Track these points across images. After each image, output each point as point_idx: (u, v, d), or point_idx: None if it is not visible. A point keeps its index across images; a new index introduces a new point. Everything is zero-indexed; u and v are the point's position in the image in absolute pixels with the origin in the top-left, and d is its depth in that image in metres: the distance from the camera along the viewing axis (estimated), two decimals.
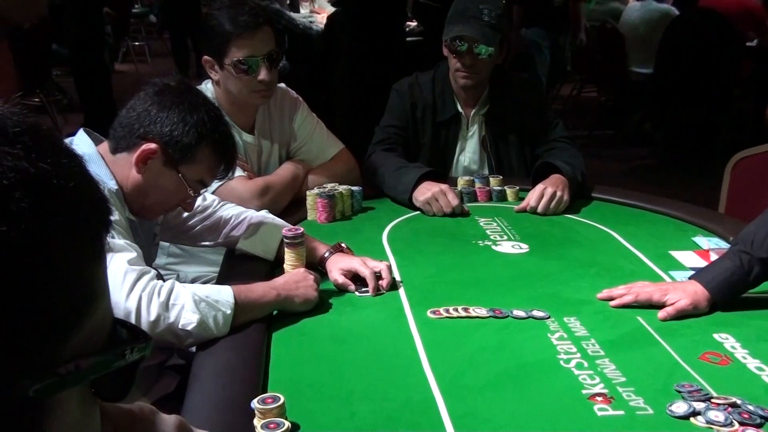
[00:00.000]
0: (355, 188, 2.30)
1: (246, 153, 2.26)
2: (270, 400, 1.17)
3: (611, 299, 1.64)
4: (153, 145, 1.57)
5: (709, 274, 1.63)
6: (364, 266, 1.73)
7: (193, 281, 2.19)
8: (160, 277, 1.51)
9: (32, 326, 0.50)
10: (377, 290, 1.70)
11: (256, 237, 1.84)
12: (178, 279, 2.18)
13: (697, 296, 1.58)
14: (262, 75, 2.13)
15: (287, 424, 1.12)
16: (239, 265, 1.83)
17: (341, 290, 1.72)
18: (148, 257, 1.69)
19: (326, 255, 1.80)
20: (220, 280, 1.77)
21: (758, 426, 1.18)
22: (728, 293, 1.59)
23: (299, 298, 1.58)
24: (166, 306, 1.42)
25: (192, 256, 2.24)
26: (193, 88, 1.71)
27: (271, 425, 1.11)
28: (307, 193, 2.22)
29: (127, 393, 0.59)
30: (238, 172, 2.10)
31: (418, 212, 2.29)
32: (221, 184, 2.07)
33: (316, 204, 2.19)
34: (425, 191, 2.28)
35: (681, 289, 1.61)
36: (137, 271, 1.43)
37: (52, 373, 0.51)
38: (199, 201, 1.86)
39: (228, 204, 1.93)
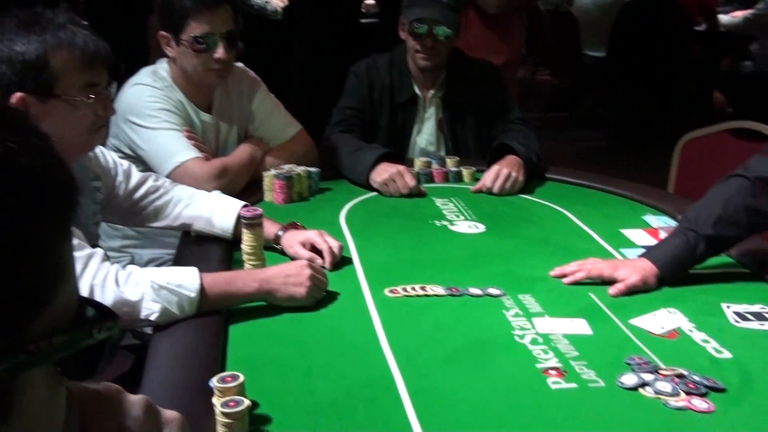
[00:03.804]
0: (312, 169, 2.30)
1: (204, 133, 2.25)
2: (229, 379, 1.17)
3: (564, 276, 1.68)
4: (17, 96, 1.40)
5: (658, 251, 1.67)
6: (321, 239, 1.74)
7: (147, 263, 2.17)
8: (107, 257, 1.45)
9: (1, 304, 0.50)
10: (330, 264, 1.72)
11: (212, 216, 1.83)
12: (132, 262, 2.17)
13: (646, 272, 1.62)
14: (219, 53, 2.11)
15: (247, 402, 1.13)
16: (196, 246, 1.82)
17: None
18: (89, 238, 1.61)
19: (280, 233, 1.80)
20: (177, 262, 1.76)
21: (703, 395, 1.23)
22: (676, 270, 1.64)
23: (282, 294, 1.50)
24: (122, 298, 1.37)
25: (148, 239, 2.22)
26: None
27: (231, 403, 1.12)
28: (264, 174, 2.22)
29: (94, 372, 0.59)
30: (195, 153, 2.09)
31: (375, 193, 2.31)
32: (177, 166, 2.06)
33: (273, 185, 2.19)
34: (382, 172, 2.30)
35: (631, 266, 1.65)
36: (83, 258, 1.37)
37: (22, 351, 0.51)
38: (150, 182, 1.84)
39: (181, 185, 1.92)
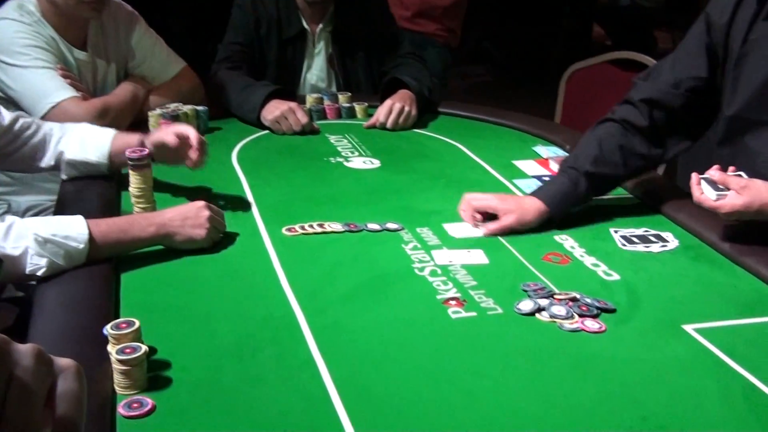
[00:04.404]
0: (200, 108, 2.22)
1: (79, 72, 2.11)
2: (124, 325, 1.12)
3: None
4: None
5: (546, 189, 1.68)
6: (192, 131, 1.69)
7: (26, 211, 2.05)
8: None
9: None
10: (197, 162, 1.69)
11: (86, 143, 1.72)
12: (9, 210, 2.04)
13: (527, 211, 1.62)
14: None
15: (144, 347, 1.09)
16: (78, 190, 1.72)
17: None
18: None
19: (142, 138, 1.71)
20: (59, 209, 1.66)
21: (595, 317, 1.28)
22: (562, 206, 1.65)
23: (181, 237, 1.45)
24: (2, 253, 1.28)
25: (25, 185, 2.08)
26: None
27: (127, 350, 1.08)
28: (150, 113, 2.12)
29: None
30: (72, 92, 1.96)
31: (267, 131, 2.26)
32: (53, 107, 1.93)
33: (159, 125, 2.09)
34: (274, 110, 2.24)
35: (516, 204, 1.64)
36: None
37: None
38: (21, 120, 1.71)
39: (52, 122, 1.80)
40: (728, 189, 1.45)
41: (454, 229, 1.62)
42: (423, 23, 3.13)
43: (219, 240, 1.52)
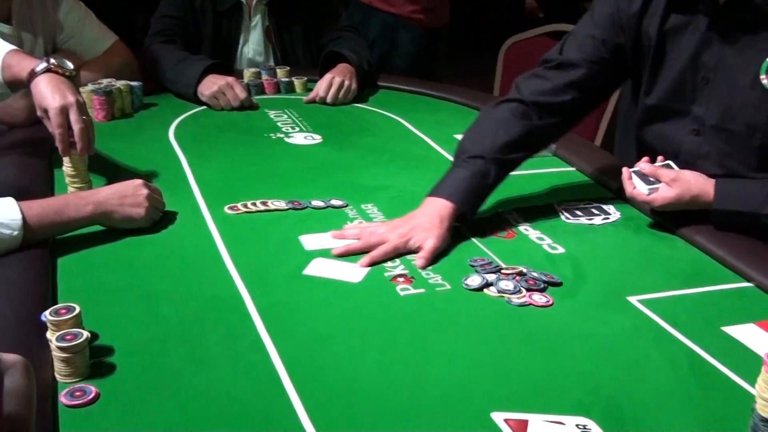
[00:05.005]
0: (134, 83, 2.15)
1: None
2: (63, 311, 1.08)
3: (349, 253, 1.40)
4: None
5: (448, 188, 1.50)
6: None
7: None
8: None
9: None
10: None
11: None
12: None
13: (438, 223, 1.43)
14: None
15: (86, 333, 1.05)
16: (5, 168, 1.65)
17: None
18: None
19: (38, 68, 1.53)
20: None
21: (542, 290, 1.29)
22: (474, 201, 1.51)
23: (119, 215, 1.40)
24: None
25: None
26: None
27: (68, 336, 1.04)
28: (81, 90, 2.03)
29: None
30: None
31: (204, 107, 2.20)
32: None
33: (92, 102, 2.02)
34: (211, 85, 2.19)
35: (419, 227, 1.42)
36: None
37: None
38: None
39: None
40: (659, 182, 1.48)
41: (308, 241, 1.43)
42: (396, 4, 2.95)
43: (158, 219, 1.48)
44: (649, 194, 1.48)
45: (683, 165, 1.54)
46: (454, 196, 1.47)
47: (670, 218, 1.53)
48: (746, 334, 1.20)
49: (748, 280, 1.36)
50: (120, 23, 2.62)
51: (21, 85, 1.56)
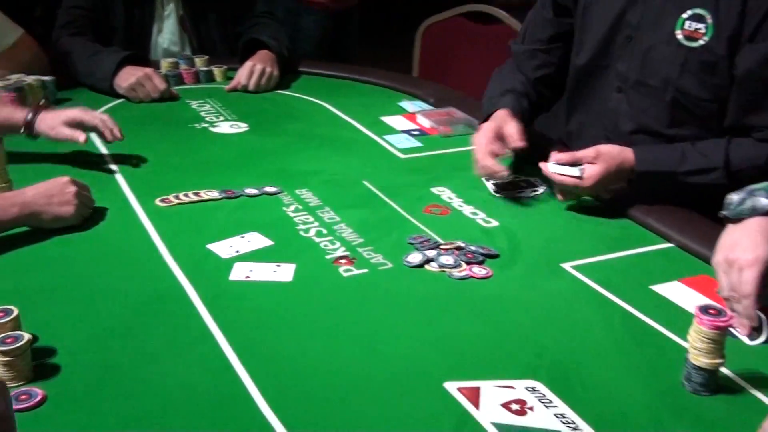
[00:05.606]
0: (46, 78, 2.07)
1: None
2: (2, 314, 1.05)
3: None
4: None
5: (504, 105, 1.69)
6: (89, 115, 1.65)
7: None
8: None
9: None
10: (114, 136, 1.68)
11: None
12: None
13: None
14: None
15: (27, 336, 1.02)
16: None
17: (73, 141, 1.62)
18: None
19: (30, 117, 1.62)
20: None
21: (481, 263, 1.33)
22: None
23: (48, 215, 1.36)
24: None
25: None
26: None
27: (8, 340, 1.01)
28: None
29: None
30: None
31: (122, 100, 2.15)
32: None
33: (1, 99, 1.94)
34: (128, 77, 2.13)
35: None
36: None
37: None
38: None
39: None
40: (581, 164, 1.51)
41: (219, 249, 1.36)
42: None
43: (89, 216, 1.44)
44: (580, 175, 1.48)
45: (607, 123, 1.60)
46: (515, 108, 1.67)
47: (622, 201, 1.55)
48: (672, 291, 1.26)
49: (670, 241, 1.43)
50: (17, 15, 2.53)
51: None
